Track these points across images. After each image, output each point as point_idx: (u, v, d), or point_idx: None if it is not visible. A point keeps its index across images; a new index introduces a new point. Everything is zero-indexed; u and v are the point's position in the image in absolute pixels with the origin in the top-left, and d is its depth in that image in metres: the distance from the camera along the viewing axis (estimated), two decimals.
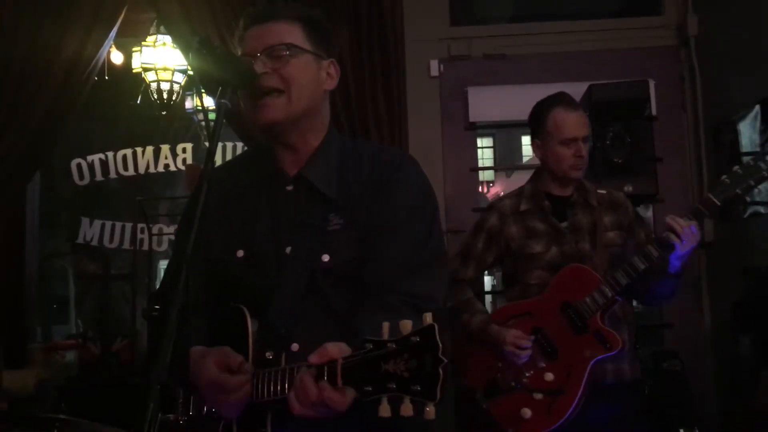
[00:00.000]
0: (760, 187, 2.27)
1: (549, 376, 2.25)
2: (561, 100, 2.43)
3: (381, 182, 1.48)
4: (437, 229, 1.52)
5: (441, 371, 1.02)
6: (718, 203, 2.15)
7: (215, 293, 1.50)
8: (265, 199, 1.51)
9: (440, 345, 1.03)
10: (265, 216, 1.49)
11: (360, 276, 1.43)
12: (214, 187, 1.45)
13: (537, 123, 2.45)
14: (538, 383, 2.26)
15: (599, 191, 2.44)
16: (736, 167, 2.17)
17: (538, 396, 2.25)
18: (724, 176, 2.17)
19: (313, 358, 1.19)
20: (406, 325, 1.06)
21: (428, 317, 1.05)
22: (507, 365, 2.30)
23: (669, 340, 3.48)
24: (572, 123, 2.37)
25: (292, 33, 1.48)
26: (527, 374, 2.28)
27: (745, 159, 2.19)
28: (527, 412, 2.24)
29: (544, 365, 2.27)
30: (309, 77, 1.48)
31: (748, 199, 3.06)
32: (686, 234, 2.13)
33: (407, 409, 1.04)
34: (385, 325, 1.09)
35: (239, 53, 1.50)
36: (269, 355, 1.36)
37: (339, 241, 1.43)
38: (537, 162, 2.51)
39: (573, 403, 2.20)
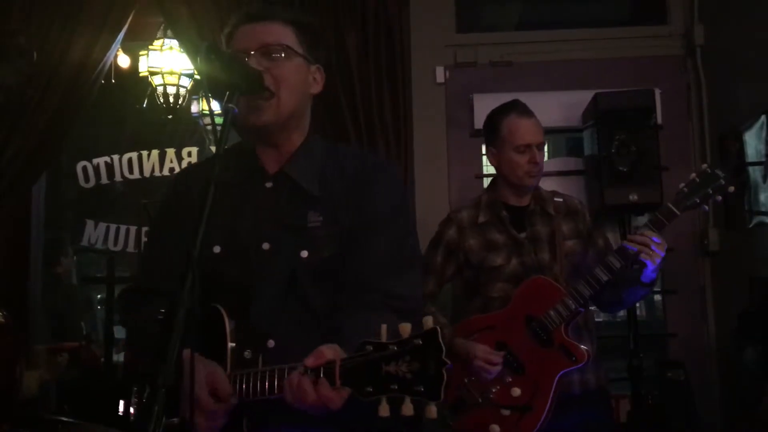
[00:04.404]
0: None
1: (516, 392, 2.22)
2: (515, 107, 2.44)
3: (362, 183, 1.52)
4: (413, 231, 1.58)
5: (444, 372, 1.05)
6: (678, 212, 2.17)
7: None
8: (244, 197, 1.52)
9: (443, 348, 1.06)
10: (244, 213, 1.50)
11: (338, 273, 1.46)
12: (194, 185, 1.52)
13: (491, 131, 2.46)
14: (505, 399, 2.23)
15: (555, 199, 2.43)
16: (693, 175, 2.20)
17: (506, 412, 2.22)
18: (682, 185, 2.19)
19: (310, 361, 1.21)
20: (405, 328, 1.09)
21: (429, 321, 1.09)
22: (474, 381, 2.26)
23: (673, 350, 3.47)
24: (526, 129, 2.37)
25: (286, 35, 1.50)
26: (494, 390, 2.24)
27: (703, 166, 2.22)
28: (495, 428, 2.21)
29: (510, 380, 2.24)
30: (299, 80, 1.52)
31: (750, 207, 3.06)
32: (648, 246, 2.14)
33: (408, 408, 1.07)
34: (383, 328, 1.12)
35: (228, 49, 1.51)
36: (247, 353, 1.37)
37: (318, 238, 1.46)
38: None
39: (541, 417, 2.19)
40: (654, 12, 3.72)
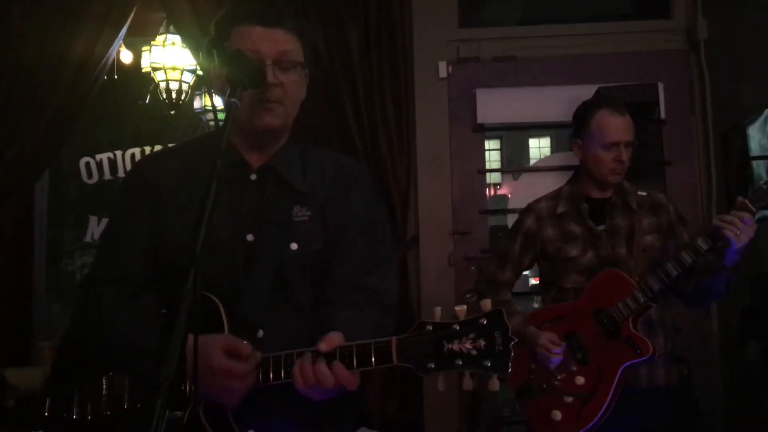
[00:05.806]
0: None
1: (580, 380, 2.26)
2: (607, 102, 2.41)
3: (343, 185, 1.58)
4: (387, 227, 1.68)
5: (512, 348, 1.16)
6: (754, 209, 2.15)
7: (169, 276, 1.44)
8: (225, 188, 1.47)
9: (509, 326, 1.18)
10: (226, 204, 1.47)
11: (320, 268, 1.52)
12: (166, 174, 1.54)
13: (580, 123, 2.43)
14: (569, 386, 2.28)
15: (640, 193, 2.42)
16: None
17: (569, 399, 2.26)
18: (762, 182, 2.16)
19: (323, 346, 1.27)
20: (462, 311, 1.21)
21: (488, 303, 1.20)
22: (540, 368, 2.31)
23: (676, 346, 3.46)
24: (616, 127, 2.35)
25: (296, 46, 1.51)
26: (559, 377, 2.30)
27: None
28: (557, 414, 2.27)
29: (575, 369, 2.28)
30: (300, 91, 1.56)
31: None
32: (734, 223, 2.11)
33: (468, 384, 1.18)
34: (437, 309, 1.23)
35: (225, 41, 1.48)
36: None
37: (307, 232, 1.50)
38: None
39: (602, 407, 2.21)
40: (657, 6, 3.71)
